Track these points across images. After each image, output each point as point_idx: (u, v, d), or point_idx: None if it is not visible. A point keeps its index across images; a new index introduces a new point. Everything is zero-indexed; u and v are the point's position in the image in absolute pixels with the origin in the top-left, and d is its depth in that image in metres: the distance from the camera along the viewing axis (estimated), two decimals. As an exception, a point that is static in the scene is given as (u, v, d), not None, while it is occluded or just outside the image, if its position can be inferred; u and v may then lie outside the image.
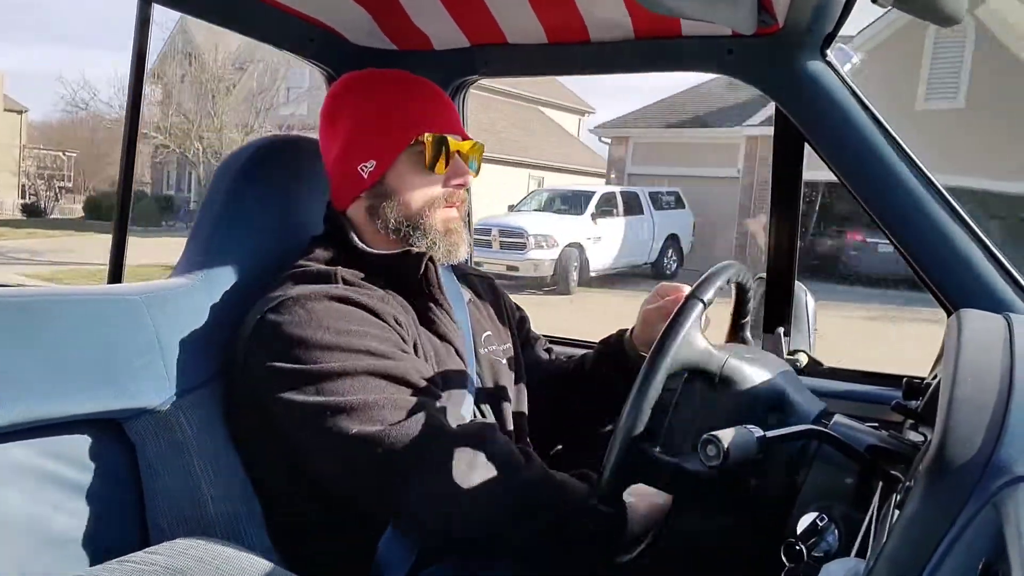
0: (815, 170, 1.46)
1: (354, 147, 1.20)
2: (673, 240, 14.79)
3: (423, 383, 1.07)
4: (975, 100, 11.44)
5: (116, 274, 1.77)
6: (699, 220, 15.08)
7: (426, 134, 1.18)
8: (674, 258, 14.85)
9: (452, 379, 1.17)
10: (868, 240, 12.15)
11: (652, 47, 1.56)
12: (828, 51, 1.38)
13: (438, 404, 1.07)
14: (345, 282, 1.13)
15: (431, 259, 1.18)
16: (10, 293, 1.04)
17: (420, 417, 1.02)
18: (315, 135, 1.32)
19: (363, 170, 1.19)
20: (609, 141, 18.09)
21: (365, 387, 1.01)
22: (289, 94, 20.08)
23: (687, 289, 1.37)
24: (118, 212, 1.77)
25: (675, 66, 1.59)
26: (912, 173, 1.32)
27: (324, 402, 1.00)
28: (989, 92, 11.07)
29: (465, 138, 1.25)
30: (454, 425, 1.06)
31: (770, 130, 1.51)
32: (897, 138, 1.33)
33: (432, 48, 1.76)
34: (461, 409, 1.16)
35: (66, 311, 1.04)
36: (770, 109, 1.49)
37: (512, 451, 1.09)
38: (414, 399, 1.03)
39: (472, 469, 1.02)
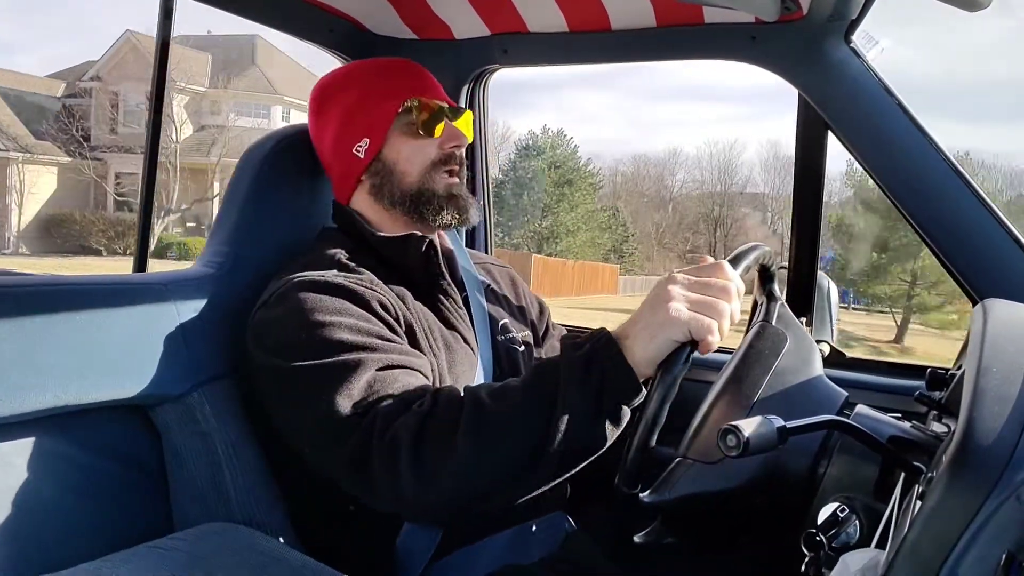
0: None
1: (345, 131, 1.23)
2: None
3: (397, 368, 1.01)
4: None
5: (141, 263, 1.79)
6: None
7: (412, 99, 1.21)
8: None
9: (458, 365, 1.16)
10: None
11: (674, 35, 1.55)
12: (853, 37, 1.36)
13: (415, 385, 0.99)
14: (339, 266, 1.13)
15: (432, 243, 1.18)
16: (37, 282, 1.06)
17: (388, 402, 0.95)
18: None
19: (358, 151, 1.22)
20: None
21: (333, 378, 0.97)
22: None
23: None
24: (142, 204, 1.79)
25: (698, 54, 1.58)
26: (939, 161, 1.30)
27: (301, 398, 1.00)
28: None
29: (453, 105, 1.26)
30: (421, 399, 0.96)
31: None
32: (924, 127, 1.31)
33: (452, 37, 1.76)
34: None
35: (93, 299, 1.06)
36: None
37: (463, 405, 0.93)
38: (383, 383, 0.98)
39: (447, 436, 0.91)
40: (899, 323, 20.03)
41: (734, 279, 0.91)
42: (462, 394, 0.95)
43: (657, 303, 0.89)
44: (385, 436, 0.92)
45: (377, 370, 0.99)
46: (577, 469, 0.93)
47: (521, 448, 0.89)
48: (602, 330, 0.93)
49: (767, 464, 0.97)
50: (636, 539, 0.97)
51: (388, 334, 1.06)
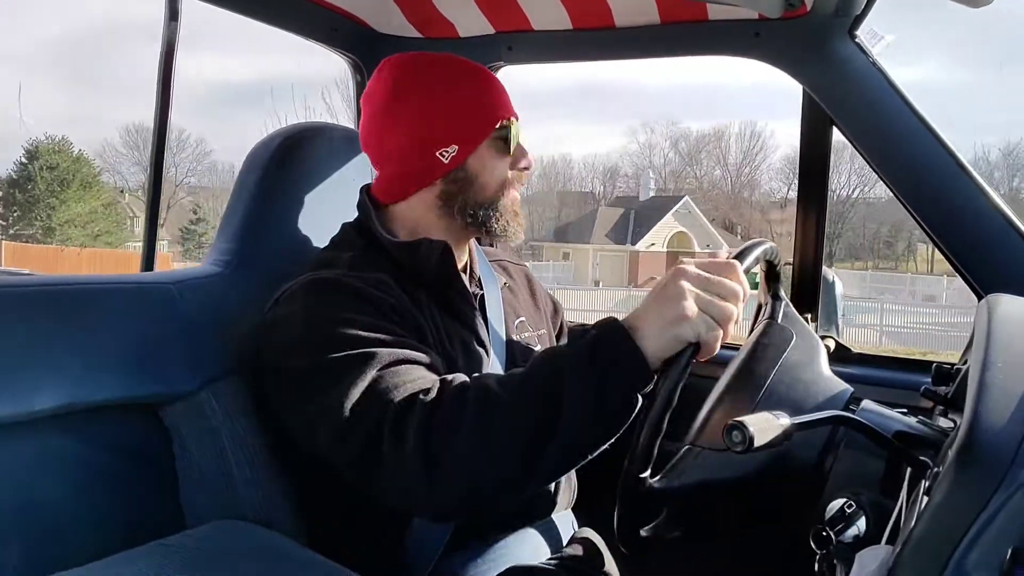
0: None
1: (433, 133, 1.18)
2: None
3: (403, 363, 1.00)
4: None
5: (148, 262, 1.80)
6: None
7: (511, 119, 1.20)
8: None
9: (472, 365, 1.16)
10: None
11: (678, 32, 1.55)
12: (857, 33, 1.36)
13: (421, 377, 0.98)
14: (350, 266, 1.12)
15: (447, 247, 1.17)
16: (46, 282, 1.07)
17: (394, 395, 0.94)
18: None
19: (443, 155, 1.17)
20: None
21: (340, 375, 0.97)
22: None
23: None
24: (149, 204, 1.80)
25: (701, 51, 1.58)
26: (944, 156, 1.30)
27: (308, 396, 1.00)
28: None
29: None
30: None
31: None
32: (929, 122, 1.31)
33: (457, 35, 1.76)
34: None
35: (101, 299, 1.06)
36: None
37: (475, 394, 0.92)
38: (391, 377, 0.97)
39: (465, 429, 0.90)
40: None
41: (744, 282, 0.91)
42: (468, 382, 0.95)
43: (669, 298, 0.89)
44: (394, 429, 0.92)
45: (383, 367, 0.98)
46: (587, 459, 0.91)
47: (528, 433, 0.88)
48: (611, 318, 0.93)
49: (776, 453, 0.97)
50: (642, 532, 0.97)
51: (395, 331, 1.05)
